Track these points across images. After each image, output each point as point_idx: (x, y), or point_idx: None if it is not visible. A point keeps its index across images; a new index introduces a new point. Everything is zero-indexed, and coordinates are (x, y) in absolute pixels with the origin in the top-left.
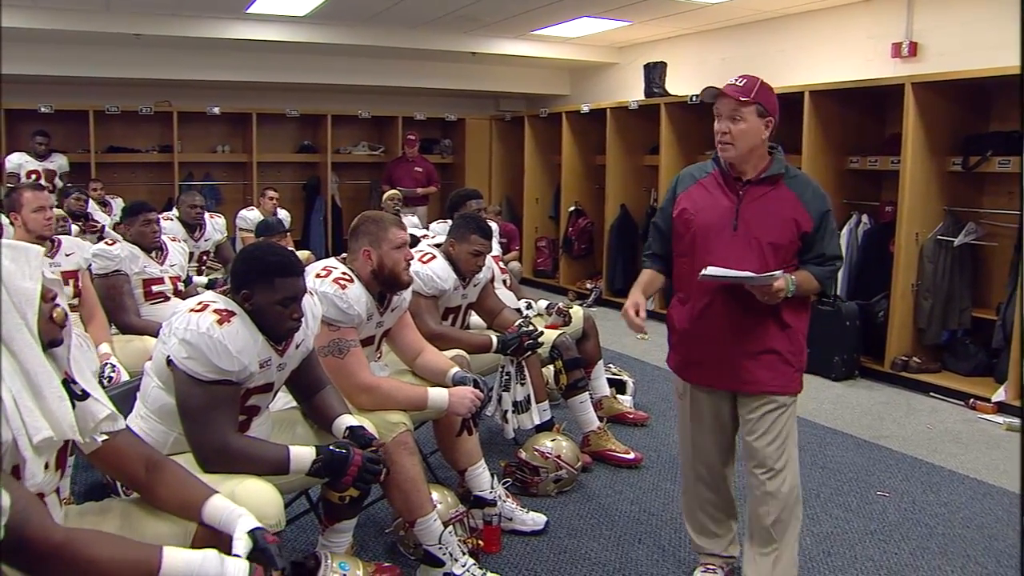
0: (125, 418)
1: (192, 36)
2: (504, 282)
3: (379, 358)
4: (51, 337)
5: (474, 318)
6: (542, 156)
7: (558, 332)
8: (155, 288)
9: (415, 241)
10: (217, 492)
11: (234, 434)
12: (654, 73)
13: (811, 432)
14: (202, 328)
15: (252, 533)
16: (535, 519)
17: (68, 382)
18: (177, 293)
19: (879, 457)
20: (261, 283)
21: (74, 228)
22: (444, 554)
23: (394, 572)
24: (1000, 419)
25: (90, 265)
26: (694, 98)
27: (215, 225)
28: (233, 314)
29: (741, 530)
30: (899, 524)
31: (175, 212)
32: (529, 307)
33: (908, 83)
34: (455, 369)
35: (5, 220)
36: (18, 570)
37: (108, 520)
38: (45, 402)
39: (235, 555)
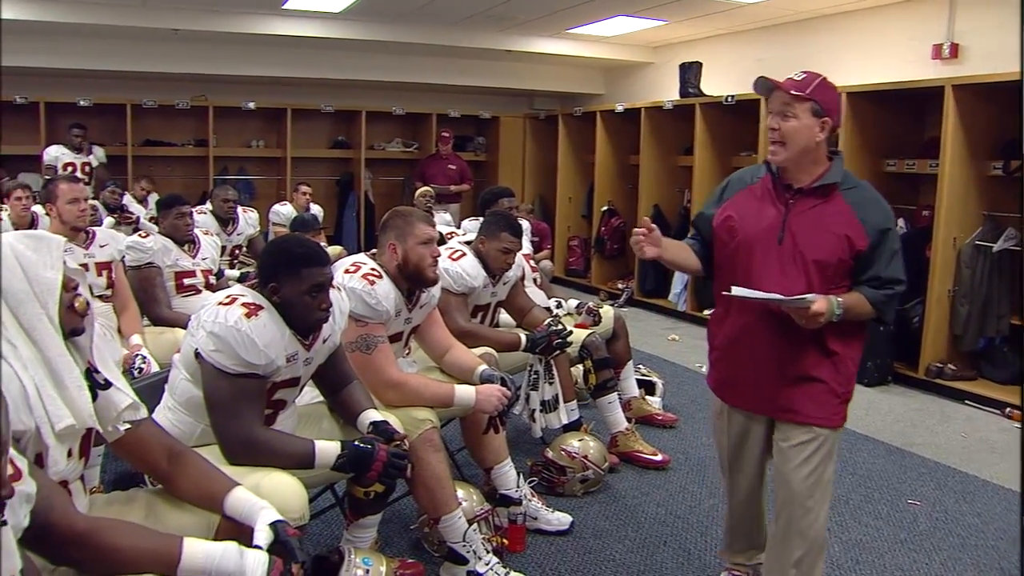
0: (153, 410)
1: (229, 31)
2: (535, 280)
3: (407, 354)
4: (72, 326)
5: (503, 316)
6: (576, 155)
7: (588, 331)
8: (187, 281)
9: (442, 239)
10: (239, 484)
11: (260, 427)
12: (689, 73)
13: (842, 438)
14: (230, 321)
15: (274, 526)
16: (560, 519)
17: (91, 371)
18: (209, 286)
19: (911, 465)
20: (288, 274)
21: (109, 220)
22: (468, 552)
23: (417, 568)
24: None
25: (123, 257)
26: (729, 99)
27: (248, 219)
28: (261, 308)
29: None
30: (930, 534)
31: (208, 206)
32: (559, 306)
33: (948, 85)
34: (483, 367)
35: (41, 211)
36: (42, 556)
37: (133, 510)
38: (66, 391)
39: (256, 547)
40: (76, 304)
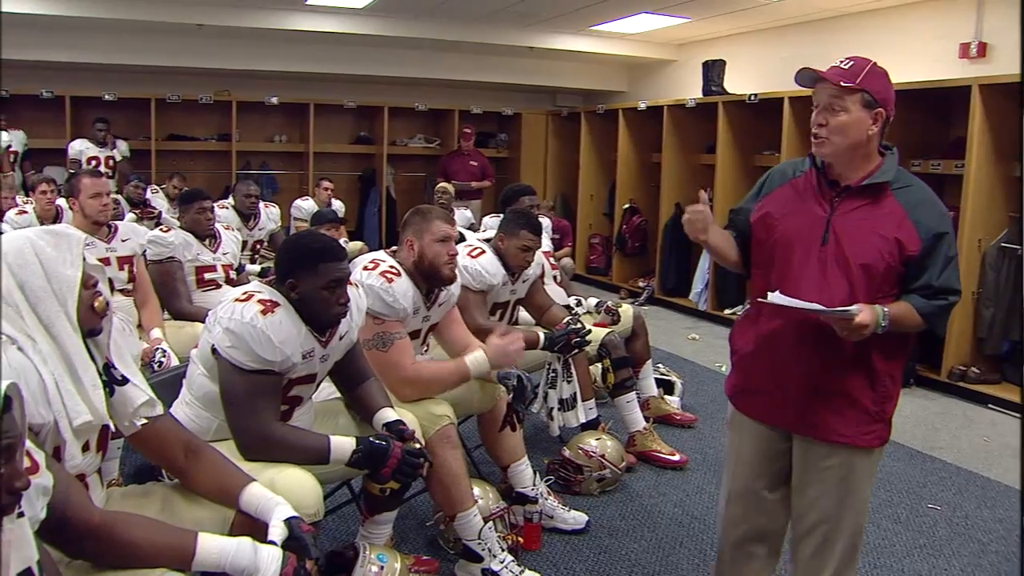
0: (171, 404)
1: (252, 27)
2: (555, 278)
3: (425, 352)
4: (91, 326)
5: (523, 314)
6: (598, 153)
7: (607, 330)
8: (207, 275)
9: (461, 237)
10: (255, 480)
11: (275, 423)
12: (713, 71)
13: None
14: (246, 318)
15: (288, 522)
16: (576, 518)
17: (108, 367)
18: (229, 281)
19: (932, 469)
20: (305, 270)
21: (130, 215)
22: (483, 549)
23: (432, 565)
24: None
25: (145, 251)
26: (753, 97)
27: (270, 215)
28: (277, 304)
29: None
30: (950, 539)
31: (230, 200)
32: (579, 304)
33: (975, 85)
34: None
35: (65, 204)
36: (58, 549)
37: (149, 504)
38: (83, 387)
39: (270, 542)
40: (95, 304)
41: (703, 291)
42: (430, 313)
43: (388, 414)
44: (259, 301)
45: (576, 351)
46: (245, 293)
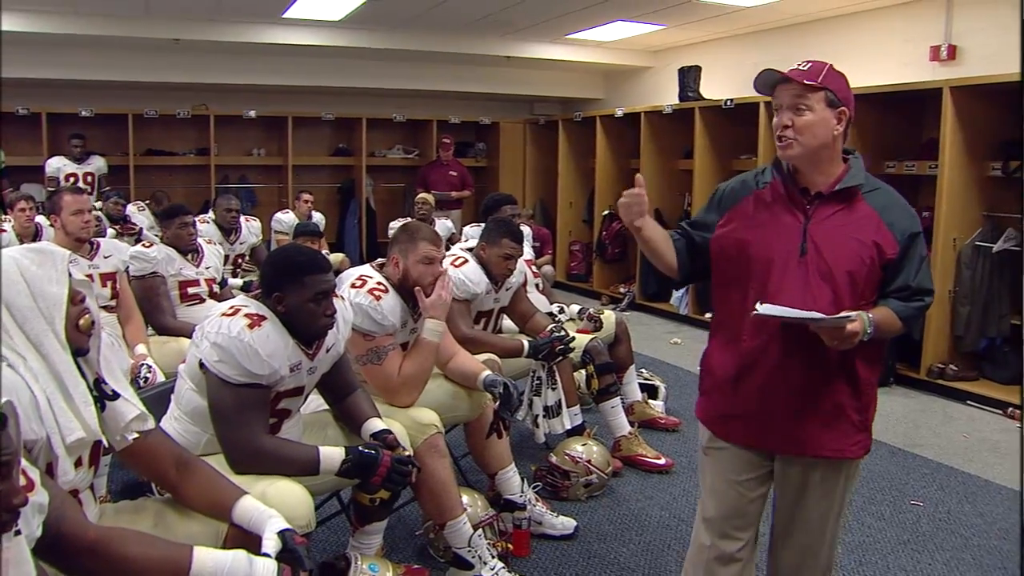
0: (160, 419)
1: (229, 41)
2: (537, 286)
3: None
4: (79, 346)
5: (506, 322)
6: (576, 160)
7: (590, 336)
8: (191, 290)
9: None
10: (247, 493)
11: (265, 436)
12: (688, 77)
13: None
14: (233, 332)
15: (281, 534)
16: (565, 523)
17: (99, 382)
18: (213, 295)
19: (914, 466)
20: (292, 283)
21: (112, 231)
22: (473, 557)
23: (423, 574)
24: None
25: (127, 267)
26: (728, 102)
27: (250, 228)
28: (264, 318)
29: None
30: (933, 534)
31: (211, 215)
32: (562, 311)
33: (946, 87)
34: (486, 372)
35: (45, 222)
36: (54, 566)
37: (142, 519)
38: (74, 403)
39: (265, 555)
40: (81, 323)
41: (684, 296)
42: (417, 325)
43: (376, 424)
44: (246, 315)
45: (560, 358)
46: (232, 307)
